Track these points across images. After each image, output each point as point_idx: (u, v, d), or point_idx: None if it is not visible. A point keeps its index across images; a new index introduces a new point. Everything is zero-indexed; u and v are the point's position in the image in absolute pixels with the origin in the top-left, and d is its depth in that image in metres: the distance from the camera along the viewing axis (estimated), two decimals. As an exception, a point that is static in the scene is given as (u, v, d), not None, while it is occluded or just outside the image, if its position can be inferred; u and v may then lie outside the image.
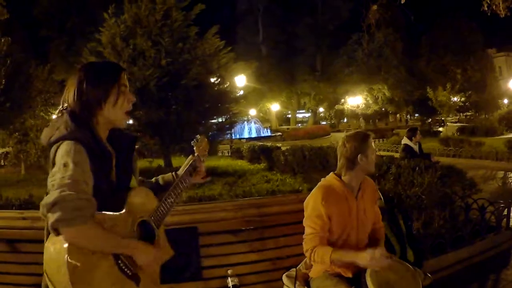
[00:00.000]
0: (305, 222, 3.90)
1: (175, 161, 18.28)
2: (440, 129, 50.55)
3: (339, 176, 3.97)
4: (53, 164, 2.52)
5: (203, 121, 18.83)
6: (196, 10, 18.05)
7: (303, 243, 3.86)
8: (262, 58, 70.03)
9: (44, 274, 2.47)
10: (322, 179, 4.06)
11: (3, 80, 12.92)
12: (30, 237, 4.43)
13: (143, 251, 2.68)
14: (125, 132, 3.00)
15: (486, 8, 12.22)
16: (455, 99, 54.05)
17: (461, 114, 67.03)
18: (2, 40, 13.66)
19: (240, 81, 31.26)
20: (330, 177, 4.00)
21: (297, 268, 4.18)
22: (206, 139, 3.37)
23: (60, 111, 2.72)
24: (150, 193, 2.91)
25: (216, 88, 19.10)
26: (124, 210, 2.64)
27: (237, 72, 27.89)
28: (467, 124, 49.72)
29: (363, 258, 3.52)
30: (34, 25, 51.07)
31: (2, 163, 25.31)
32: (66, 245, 2.33)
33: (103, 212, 2.51)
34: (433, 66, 62.07)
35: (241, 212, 4.59)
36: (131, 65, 16.38)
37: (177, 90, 16.79)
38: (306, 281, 4.05)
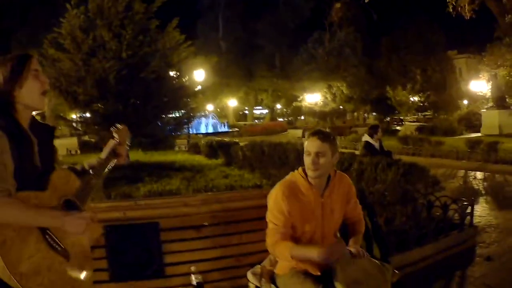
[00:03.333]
0: (267, 217, 3.83)
1: (132, 155, 18.07)
2: (398, 128, 51.02)
3: (305, 172, 3.89)
4: None
5: (161, 115, 18.70)
6: (158, 2, 17.89)
7: (266, 238, 3.80)
8: (222, 53, 70.07)
9: None
10: (290, 173, 3.98)
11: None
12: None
13: (73, 218, 2.77)
14: (45, 123, 3.21)
15: (451, 10, 12.36)
16: (415, 98, 54.69)
17: (419, 113, 67.74)
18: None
19: (199, 75, 31.10)
20: (297, 173, 3.90)
21: (262, 265, 4.10)
22: (126, 128, 3.51)
23: None
24: (72, 175, 3.05)
25: (175, 82, 19.00)
26: (47, 190, 2.78)
27: (197, 66, 27.83)
28: (426, 124, 50.26)
29: (316, 255, 3.48)
30: (-5, 16, 49.86)
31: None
32: None
33: (28, 191, 2.68)
34: (393, 66, 62.60)
35: (204, 207, 4.50)
36: (90, 57, 16.20)
37: (136, 83, 16.62)
38: (272, 278, 3.97)
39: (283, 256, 3.68)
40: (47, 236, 2.67)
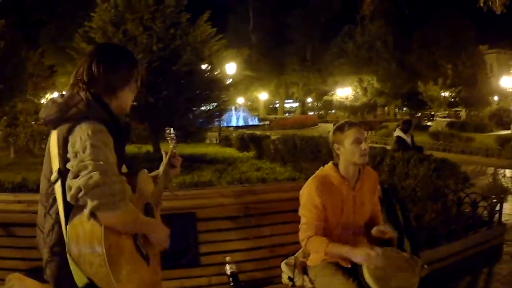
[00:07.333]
0: (301, 211, 3.91)
1: (163, 147, 18.21)
2: (429, 123, 50.73)
3: (336, 165, 3.95)
4: (65, 142, 2.42)
5: (193, 108, 18.78)
6: (189, -4, 17.96)
7: (299, 232, 3.86)
8: (252, 47, 70.03)
9: (68, 254, 2.35)
10: (321, 168, 4.04)
11: (-4, 62, 12.77)
12: (26, 221, 4.20)
13: (161, 228, 2.77)
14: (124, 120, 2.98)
15: (482, 4, 12.25)
16: (446, 94, 54.16)
17: (448, 109, 67.02)
18: (-5, 22, 13.49)
19: (231, 68, 31.23)
20: (327, 167, 3.99)
21: (295, 256, 4.15)
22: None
23: (73, 87, 2.61)
24: (150, 177, 2.95)
25: (206, 75, 19.05)
26: (136, 193, 2.62)
27: (228, 60, 27.91)
28: (457, 120, 49.89)
29: (358, 256, 3.51)
30: (25, 9, 50.25)
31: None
32: (102, 225, 2.29)
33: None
34: (424, 60, 62.01)
35: (240, 198, 4.55)
36: (121, 50, 16.36)
37: (167, 75, 16.71)
38: (304, 269, 4.06)
39: (317, 250, 3.73)
40: (137, 241, 2.55)
